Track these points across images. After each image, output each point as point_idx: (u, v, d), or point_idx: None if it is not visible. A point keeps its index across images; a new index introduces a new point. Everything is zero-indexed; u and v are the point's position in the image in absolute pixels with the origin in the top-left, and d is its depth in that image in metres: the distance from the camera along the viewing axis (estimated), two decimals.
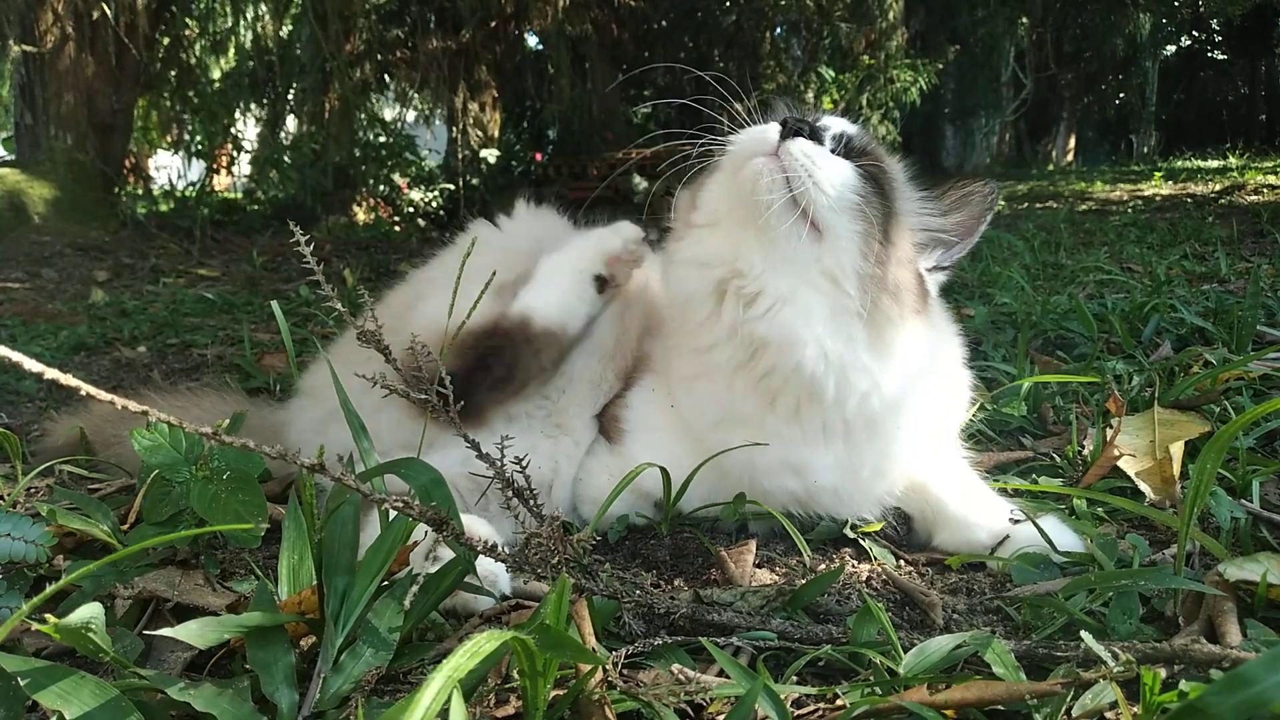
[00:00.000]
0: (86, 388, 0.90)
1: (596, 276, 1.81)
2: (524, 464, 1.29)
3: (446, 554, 1.28)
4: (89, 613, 0.99)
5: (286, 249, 7.95)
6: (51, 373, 0.86)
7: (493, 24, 12.03)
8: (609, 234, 1.86)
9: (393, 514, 1.26)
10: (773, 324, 1.62)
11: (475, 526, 1.45)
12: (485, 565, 1.32)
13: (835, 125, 1.74)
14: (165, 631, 1.08)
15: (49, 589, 0.95)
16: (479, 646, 0.88)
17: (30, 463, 2.04)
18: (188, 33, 10.78)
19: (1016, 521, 1.70)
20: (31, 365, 0.85)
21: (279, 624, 1.18)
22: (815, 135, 1.66)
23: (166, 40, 10.34)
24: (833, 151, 1.66)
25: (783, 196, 1.57)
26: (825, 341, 1.60)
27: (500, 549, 1.20)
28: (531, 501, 1.28)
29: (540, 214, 2.10)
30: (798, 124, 1.64)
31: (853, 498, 1.78)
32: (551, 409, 1.83)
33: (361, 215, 11.74)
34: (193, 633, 1.08)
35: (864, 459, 1.73)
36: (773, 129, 1.65)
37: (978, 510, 1.75)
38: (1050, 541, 1.59)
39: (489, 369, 1.68)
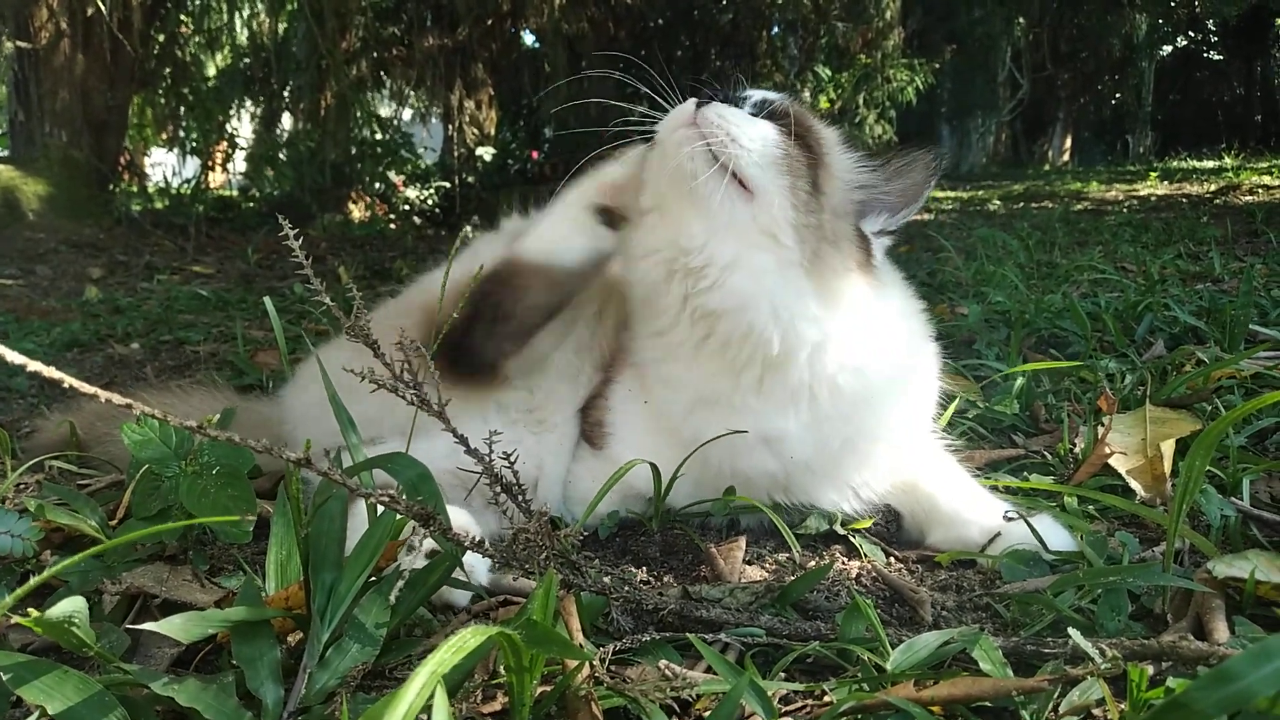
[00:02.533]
0: (71, 380, 0.89)
1: (598, 209, 1.73)
2: (512, 459, 1.29)
3: (427, 545, 1.28)
4: (71, 606, 0.99)
5: (282, 246, 7.89)
6: (34, 365, 0.86)
7: (489, 22, 12.03)
8: (610, 165, 1.79)
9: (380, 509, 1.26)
10: (723, 292, 1.64)
11: (455, 517, 1.44)
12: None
13: (756, 94, 1.78)
14: (149, 626, 1.08)
15: (32, 582, 0.94)
16: (464, 642, 0.88)
17: (20, 459, 2.04)
18: (183, 29, 10.74)
19: (1011, 519, 1.70)
20: (14, 358, 0.84)
21: (265, 619, 1.17)
22: (731, 102, 1.72)
23: (162, 37, 10.31)
24: (753, 115, 1.70)
25: (705, 158, 1.62)
26: (775, 296, 1.62)
27: (484, 542, 1.20)
28: (520, 496, 1.28)
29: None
30: (712, 92, 1.71)
31: (828, 474, 1.78)
32: (531, 403, 1.81)
33: (357, 213, 11.72)
34: (176, 627, 1.08)
35: (833, 428, 1.72)
36: (690, 103, 1.70)
37: (969, 507, 1.75)
38: (1041, 540, 1.59)
39: (480, 314, 1.67)
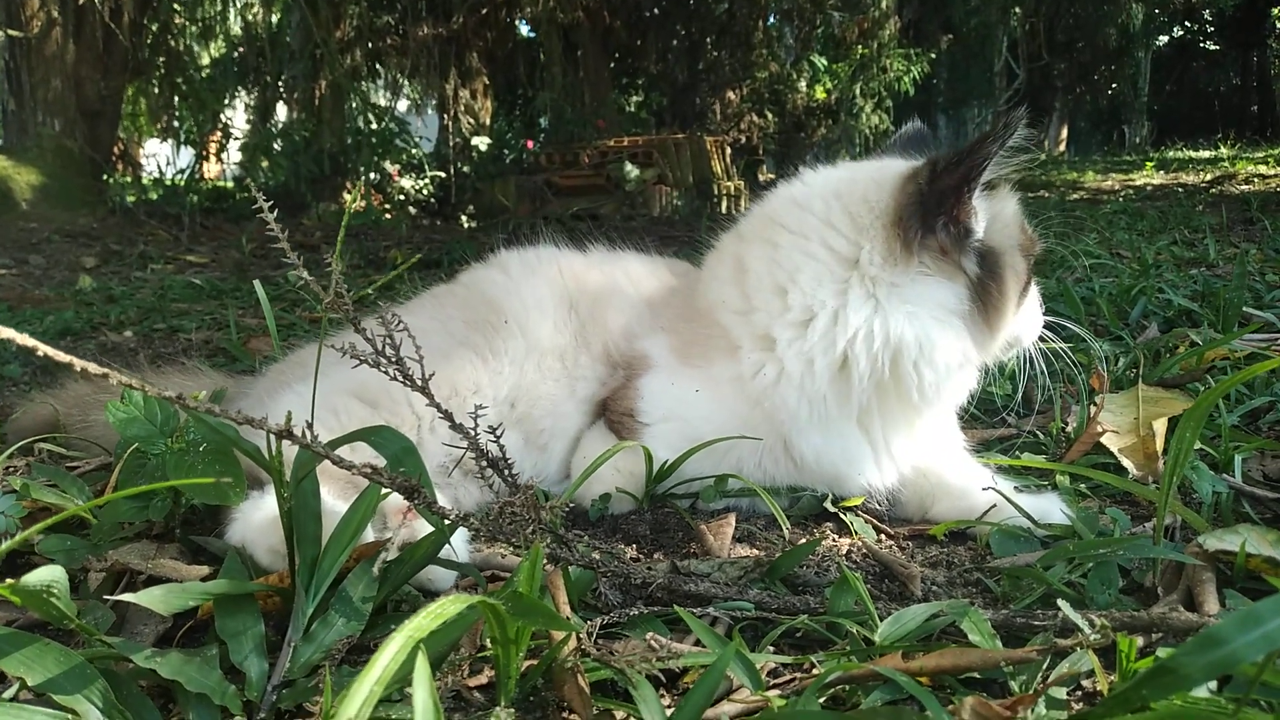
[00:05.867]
0: (45, 348, 0.88)
1: None
2: (498, 434, 1.28)
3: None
4: (49, 576, 0.98)
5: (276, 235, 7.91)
6: (6, 332, 0.85)
7: (484, 11, 12.01)
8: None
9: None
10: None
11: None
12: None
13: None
14: (128, 597, 1.07)
15: (5, 545, 0.93)
16: (443, 609, 0.87)
17: (7, 443, 2.03)
18: (176, 19, 10.71)
19: (988, 490, 1.70)
20: None
21: (248, 593, 1.16)
22: None
23: (155, 26, 10.27)
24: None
25: None
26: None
27: (469, 516, 1.19)
28: (506, 471, 1.27)
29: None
30: None
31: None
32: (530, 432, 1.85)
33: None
34: (156, 599, 1.07)
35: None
36: None
37: (978, 483, 1.75)
38: (1026, 513, 1.59)
39: None
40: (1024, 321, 1.84)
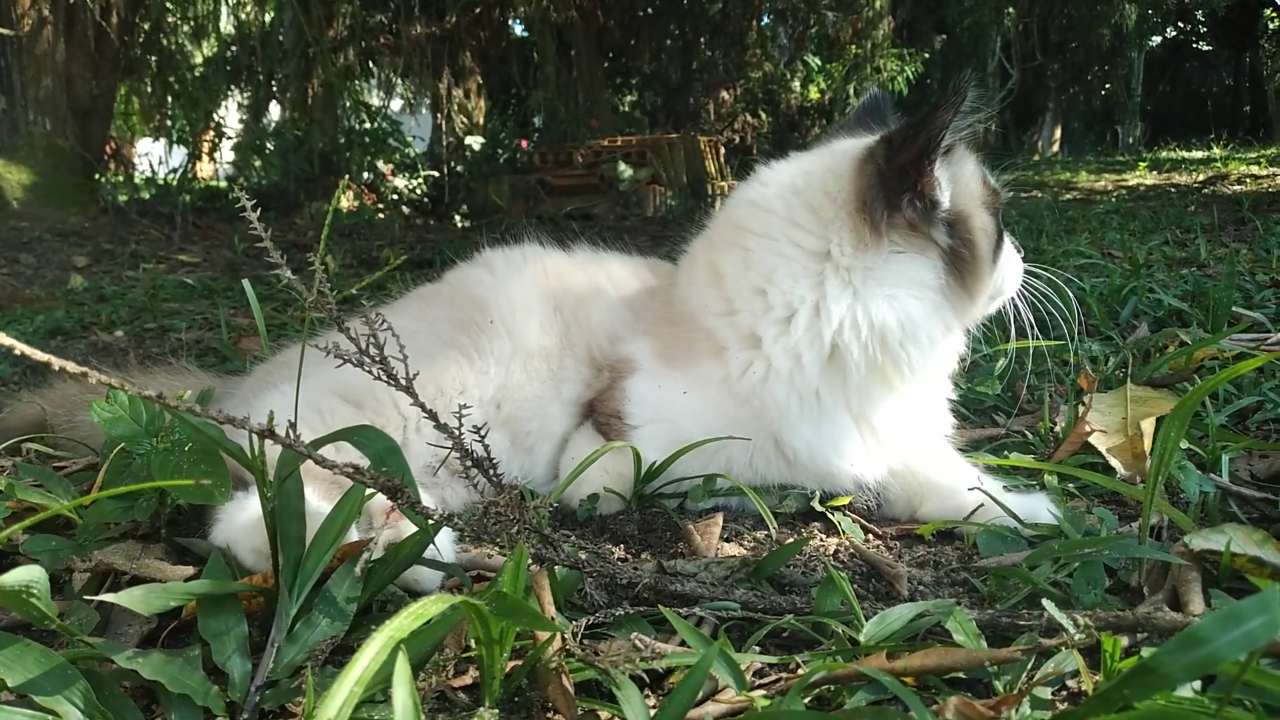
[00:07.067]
0: (22, 346, 0.87)
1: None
2: (483, 433, 1.28)
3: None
4: (28, 575, 0.97)
5: (270, 235, 7.89)
6: None
7: (477, 10, 11.99)
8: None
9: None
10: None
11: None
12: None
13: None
14: (109, 597, 1.06)
15: None
16: (424, 609, 0.87)
17: None
18: (168, 18, 10.67)
19: (974, 488, 1.70)
20: None
21: (231, 593, 1.16)
22: None
23: (147, 25, 10.24)
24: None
25: None
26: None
27: (453, 516, 1.19)
28: (491, 470, 1.27)
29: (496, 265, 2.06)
30: None
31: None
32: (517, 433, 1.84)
33: (345, 202, 11.67)
34: (137, 599, 1.06)
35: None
36: None
37: (965, 482, 1.75)
38: (1013, 513, 1.59)
39: None
40: (1003, 273, 1.85)
